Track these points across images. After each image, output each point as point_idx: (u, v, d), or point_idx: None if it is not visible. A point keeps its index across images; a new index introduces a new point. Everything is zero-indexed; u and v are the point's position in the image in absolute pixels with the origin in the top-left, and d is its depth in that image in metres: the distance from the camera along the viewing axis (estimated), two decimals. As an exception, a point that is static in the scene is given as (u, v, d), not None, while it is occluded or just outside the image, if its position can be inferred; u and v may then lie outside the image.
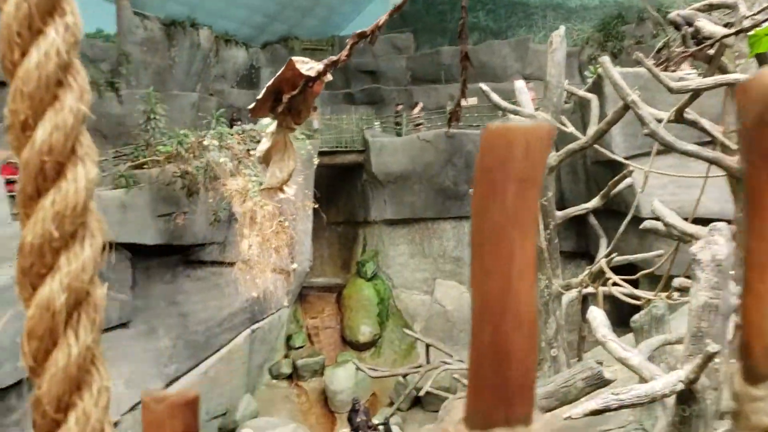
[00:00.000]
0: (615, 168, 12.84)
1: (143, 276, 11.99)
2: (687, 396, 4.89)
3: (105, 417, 0.65)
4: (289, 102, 2.50)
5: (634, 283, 9.12)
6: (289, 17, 23.65)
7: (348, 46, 2.37)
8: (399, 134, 18.62)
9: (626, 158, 9.13)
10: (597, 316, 6.06)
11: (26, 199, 0.62)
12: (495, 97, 9.88)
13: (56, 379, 0.62)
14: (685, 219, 7.79)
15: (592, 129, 9.41)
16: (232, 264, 12.73)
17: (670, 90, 6.33)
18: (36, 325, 0.62)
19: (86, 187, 0.62)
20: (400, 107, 19.61)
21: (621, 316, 8.29)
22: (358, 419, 10.73)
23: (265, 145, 2.78)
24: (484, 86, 9.84)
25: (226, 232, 13.23)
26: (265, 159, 2.80)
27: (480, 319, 0.54)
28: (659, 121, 7.29)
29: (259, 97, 2.48)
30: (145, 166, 11.79)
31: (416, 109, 19.30)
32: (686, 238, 7.77)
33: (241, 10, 22.09)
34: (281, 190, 2.82)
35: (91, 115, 0.63)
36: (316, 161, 14.67)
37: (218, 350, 13.41)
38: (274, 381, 15.88)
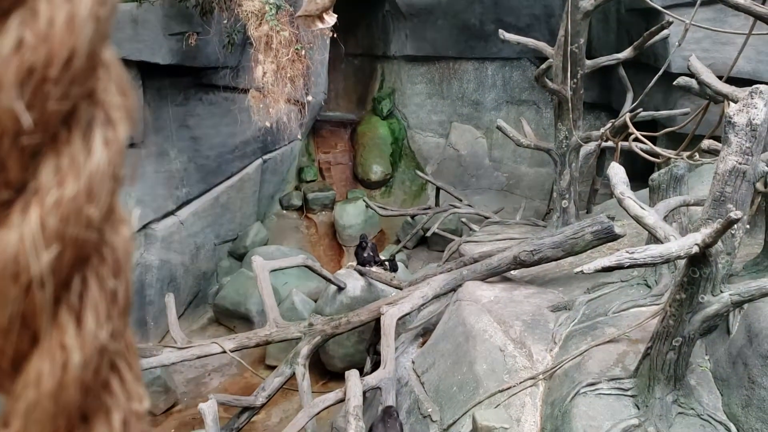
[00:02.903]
0: (649, 18, 12.10)
1: (155, 96, 11.75)
2: (699, 259, 4.83)
3: None
4: None
5: (653, 141, 8.87)
6: None
7: None
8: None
9: (664, 8, 8.52)
10: (618, 172, 5.90)
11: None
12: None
13: (39, 410, 0.30)
14: (719, 78, 7.41)
15: (637, -29, 8.72)
16: (245, 91, 12.40)
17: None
18: None
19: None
20: None
21: (634, 172, 8.12)
22: (365, 254, 10.94)
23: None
24: None
25: (239, 56, 12.77)
26: (304, -22, 2.36)
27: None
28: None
29: None
30: (156, -21, 11.11)
31: None
32: (719, 99, 7.43)
33: None
34: (320, 19, 2.43)
35: None
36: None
37: (229, 177, 13.47)
38: (285, 211, 16.12)
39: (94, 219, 0.28)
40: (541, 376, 6.37)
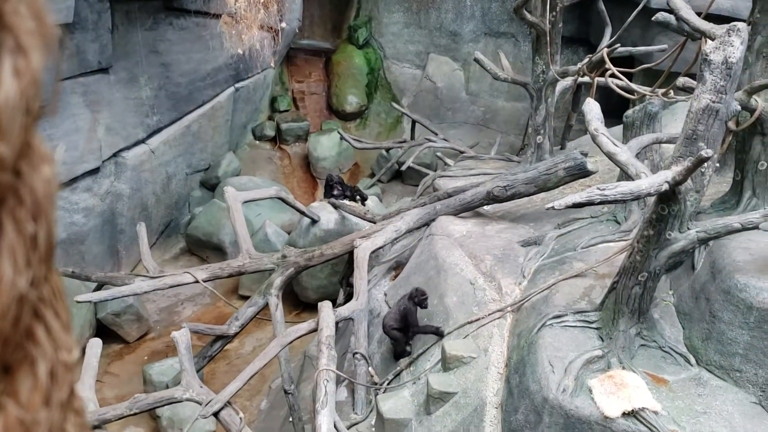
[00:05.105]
0: (632, -50, 11.87)
1: (123, 20, 11.34)
2: (669, 196, 4.89)
3: (71, 418, 0.35)
4: None
5: (629, 77, 8.84)
6: None
7: None
8: None
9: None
10: (593, 108, 5.88)
11: None
12: None
13: None
14: (698, 14, 7.34)
15: None
16: (217, 16, 12.03)
17: None
18: None
19: None
20: None
21: (609, 108, 8.11)
22: (334, 193, 10.78)
23: None
24: None
25: (211, -20, 12.34)
26: None
27: None
28: None
29: None
30: None
31: None
32: (696, 36, 7.38)
33: None
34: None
35: None
36: None
37: (201, 105, 13.17)
38: (257, 142, 15.90)
39: (5, 157, 0.25)
40: (509, 309, 6.51)
